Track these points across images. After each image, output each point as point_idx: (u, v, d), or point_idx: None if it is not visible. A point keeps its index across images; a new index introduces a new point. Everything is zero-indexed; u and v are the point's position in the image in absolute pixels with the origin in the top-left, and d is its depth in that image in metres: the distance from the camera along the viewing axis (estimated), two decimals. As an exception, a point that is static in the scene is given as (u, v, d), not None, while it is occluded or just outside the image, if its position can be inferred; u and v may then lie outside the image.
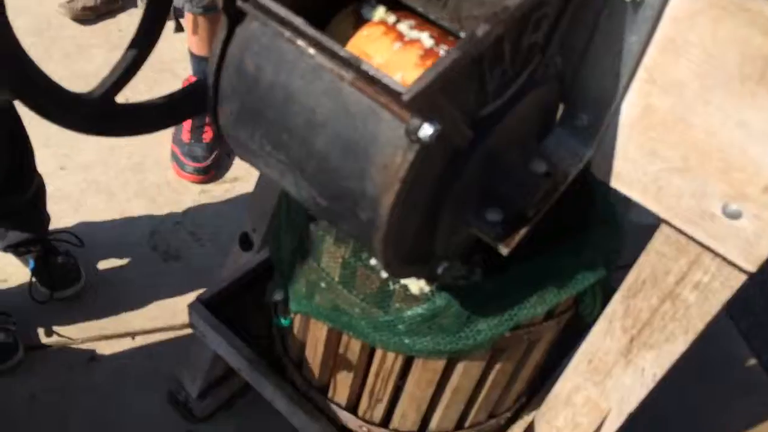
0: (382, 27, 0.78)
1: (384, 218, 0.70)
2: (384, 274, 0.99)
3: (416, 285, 0.98)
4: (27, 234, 1.89)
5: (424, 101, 0.60)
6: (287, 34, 0.70)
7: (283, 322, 1.21)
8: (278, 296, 1.17)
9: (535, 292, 0.99)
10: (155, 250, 2.13)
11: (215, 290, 1.42)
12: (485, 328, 0.99)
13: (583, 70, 0.84)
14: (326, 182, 0.74)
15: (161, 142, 2.37)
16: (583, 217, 1.12)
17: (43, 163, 1.92)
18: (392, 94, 0.60)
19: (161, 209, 2.24)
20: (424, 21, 0.78)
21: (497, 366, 1.11)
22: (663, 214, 0.90)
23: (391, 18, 0.78)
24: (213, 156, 2.31)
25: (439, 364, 1.08)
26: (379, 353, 1.11)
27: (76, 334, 1.91)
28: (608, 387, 1.10)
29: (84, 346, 1.89)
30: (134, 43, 1.14)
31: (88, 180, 2.26)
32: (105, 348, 1.90)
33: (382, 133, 0.68)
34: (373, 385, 1.16)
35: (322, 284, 1.06)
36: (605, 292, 1.09)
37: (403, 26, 0.77)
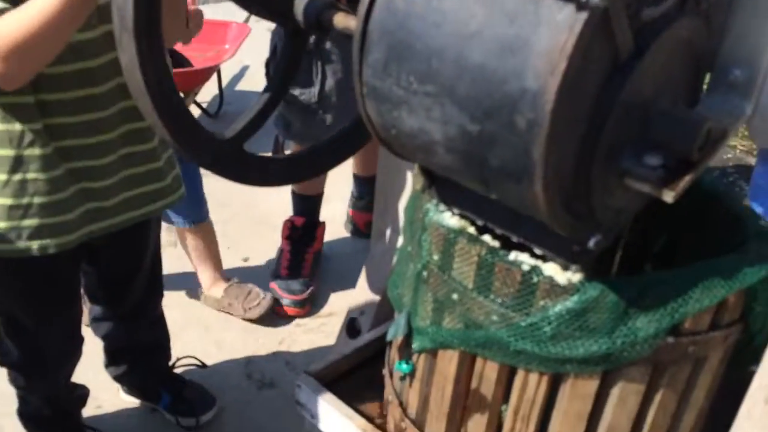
0: None
1: (548, 109, 0.66)
2: (526, 267, 0.91)
3: (563, 275, 0.90)
4: (154, 367, 1.89)
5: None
6: (441, -47, 0.73)
7: (405, 367, 1.10)
8: (400, 331, 1.08)
9: (699, 284, 0.89)
10: (250, 378, 2.05)
11: (325, 364, 1.33)
12: (644, 325, 0.88)
13: (733, 17, 0.83)
14: (481, 97, 0.72)
15: (257, 280, 2.40)
16: (737, 239, 1.03)
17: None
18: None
19: (257, 341, 2.19)
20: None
21: (659, 395, 0.96)
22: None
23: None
24: (309, 290, 2.29)
25: (591, 386, 0.94)
26: (519, 379, 0.98)
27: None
28: (796, 429, 0.93)
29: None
30: (268, 88, 1.20)
31: (186, 315, 2.26)
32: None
33: (543, 19, 0.67)
34: (511, 428, 1.01)
35: (454, 296, 0.98)
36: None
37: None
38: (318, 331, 2.24)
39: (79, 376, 1.91)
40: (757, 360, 0.95)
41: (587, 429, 0.98)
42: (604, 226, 0.85)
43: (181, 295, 2.32)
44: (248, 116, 1.20)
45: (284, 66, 1.22)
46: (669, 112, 0.78)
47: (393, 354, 1.17)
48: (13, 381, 1.62)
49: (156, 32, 0.97)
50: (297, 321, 2.27)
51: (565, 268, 0.90)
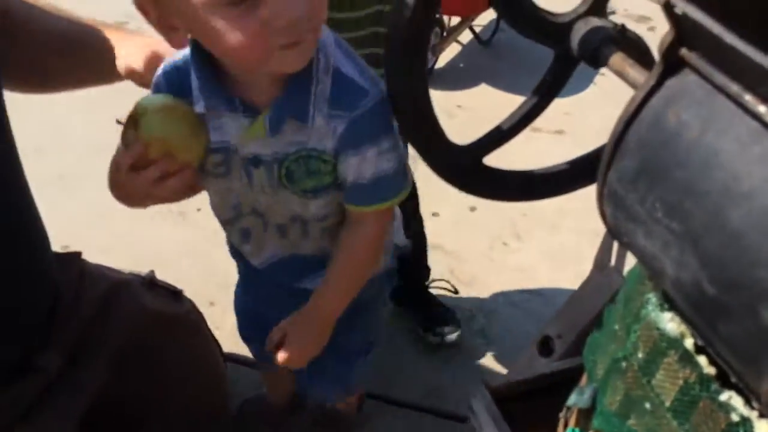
0: None
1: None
2: (735, 417, 0.80)
3: (776, 441, 0.78)
4: None
5: None
6: (734, 88, 0.61)
7: (578, 437, 1.06)
8: (582, 403, 1.03)
9: None
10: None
11: (504, 382, 1.33)
12: None
13: None
14: (727, 265, 0.62)
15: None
16: None
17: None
18: None
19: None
20: None
21: None
22: None
23: None
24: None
25: None
26: None
27: None
28: None
29: None
30: (524, 103, 1.15)
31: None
32: None
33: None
34: None
35: (647, 405, 0.91)
36: None
37: None
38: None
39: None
40: None
41: None
42: None
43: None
44: (495, 130, 1.17)
45: (548, 83, 1.15)
46: None
47: (569, 416, 1.12)
48: None
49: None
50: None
51: (782, 436, 0.78)
